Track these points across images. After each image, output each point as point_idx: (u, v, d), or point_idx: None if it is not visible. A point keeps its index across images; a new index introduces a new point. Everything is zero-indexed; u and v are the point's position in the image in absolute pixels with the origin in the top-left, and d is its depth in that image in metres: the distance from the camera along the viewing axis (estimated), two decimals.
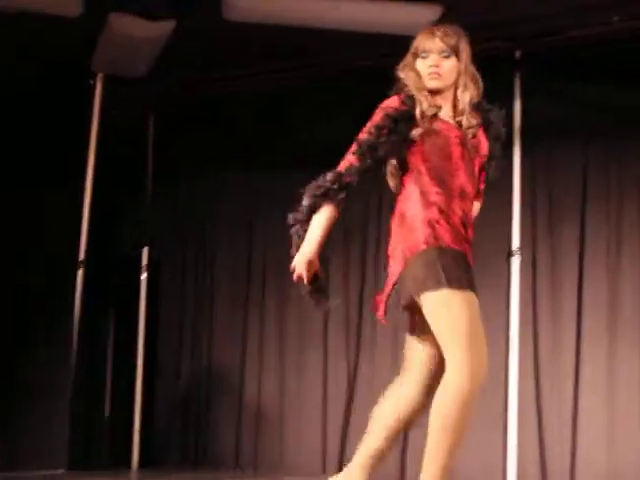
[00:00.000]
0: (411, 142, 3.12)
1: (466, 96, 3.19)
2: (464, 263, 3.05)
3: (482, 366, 2.96)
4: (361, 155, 3.08)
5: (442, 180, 3.12)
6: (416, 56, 3.21)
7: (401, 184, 3.19)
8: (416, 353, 3.15)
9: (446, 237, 3.05)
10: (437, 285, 2.98)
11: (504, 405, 5.34)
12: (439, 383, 3.00)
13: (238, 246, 6.35)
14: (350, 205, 3.10)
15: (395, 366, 5.78)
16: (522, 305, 5.41)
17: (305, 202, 3.10)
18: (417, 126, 3.12)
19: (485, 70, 5.41)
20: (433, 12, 4.77)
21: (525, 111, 5.45)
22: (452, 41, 3.19)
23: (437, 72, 3.17)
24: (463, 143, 3.16)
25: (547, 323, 5.49)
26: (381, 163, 3.15)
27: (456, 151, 3.14)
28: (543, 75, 5.43)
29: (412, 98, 3.15)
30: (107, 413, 6.28)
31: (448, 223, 3.07)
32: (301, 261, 3.07)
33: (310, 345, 6.13)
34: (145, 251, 6.16)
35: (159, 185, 6.23)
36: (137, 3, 4.95)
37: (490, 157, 3.26)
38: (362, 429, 5.69)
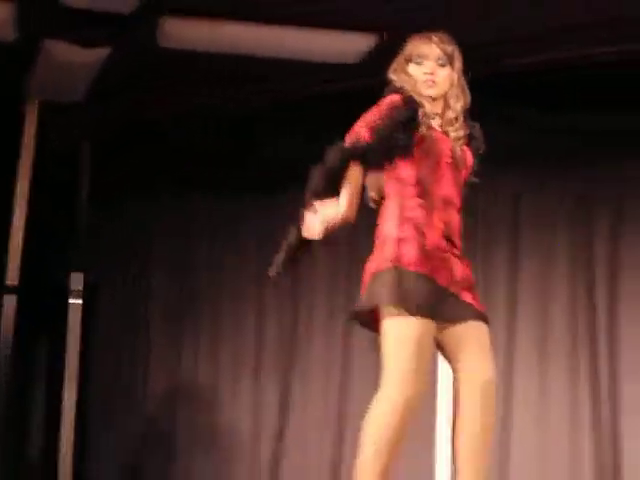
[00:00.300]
0: (413, 145, 3.04)
1: (458, 106, 3.13)
2: (426, 287, 2.98)
3: (417, 392, 2.95)
4: (376, 137, 2.94)
5: (426, 190, 3.05)
6: (409, 61, 3.12)
7: (384, 194, 3.11)
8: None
9: (413, 258, 2.98)
10: (394, 307, 2.95)
11: (432, 425, 5.39)
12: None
13: (175, 272, 6.32)
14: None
15: (329, 392, 5.86)
16: None
17: (322, 168, 2.93)
18: (418, 130, 3.04)
19: None
20: (369, 40, 4.83)
21: None
22: (449, 49, 3.12)
23: (433, 80, 3.10)
24: (453, 154, 3.10)
25: None
26: (392, 156, 3.03)
27: (446, 161, 3.09)
28: (490, 101, 5.51)
29: (413, 100, 3.05)
30: (36, 452, 6.13)
31: (422, 241, 3.01)
32: (319, 223, 2.88)
33: (243, 374, 6.12)
34: (79, 277, 6.09)
35: (97, 209, 6.19)
36: (71, 30, 4.92)
37: (473, 172, 3.23)
38: (294, 460, 5.72)
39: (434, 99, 3.12)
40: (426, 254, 3.00)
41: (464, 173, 3.16)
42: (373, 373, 5.31)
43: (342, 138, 2.96)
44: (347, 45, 4.88)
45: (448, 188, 3.09)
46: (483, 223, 5.67)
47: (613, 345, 5.35)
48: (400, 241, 3.00)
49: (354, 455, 3.00)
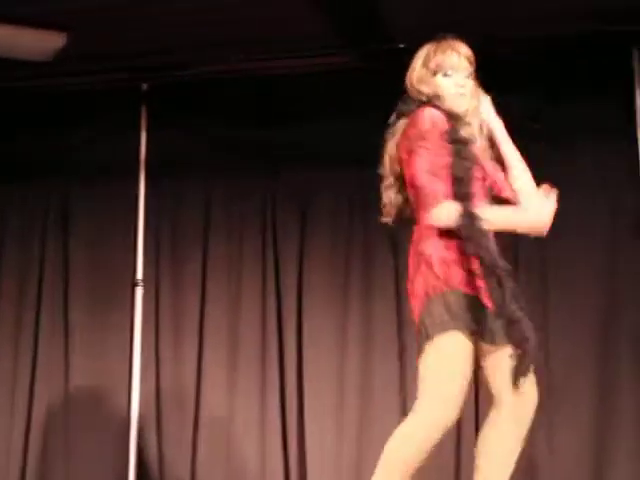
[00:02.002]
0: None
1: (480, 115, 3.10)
2: (474, 308, 2.95)
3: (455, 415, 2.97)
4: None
5: None
6: (435, 72, 3.05)
7: (416, 214, 3.06)
8: None
9: (459, 279, 2.96)
10: (441, 330, 2.93)
11: (127, 425, 5.38)
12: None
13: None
14: None
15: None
16: (145, 333, 5.48)
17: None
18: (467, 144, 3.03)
19: (112, 101, 5.52)
20: (58, 39, 4.72)
21: (151, 143, 5.53)
22: (472, 60, 3.08)
23: (464, 93, 3.05)
24: (481, 165, 3.08)
25: (169, 353, 5.57)
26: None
27: (478, 175, 3.06)
28: (169, 108, 5.55)
29: (451, 115, 3.00)
30: None
31: (466, 262, 2.96)
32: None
33: None
34: None
35: None
36: None
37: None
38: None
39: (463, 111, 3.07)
40: (470, 275, 2.96)
41: (487, 183, 3.13)
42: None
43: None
44: (37, 43, 4.74)
45: (481, 201, 3.05)
46: (172, 232, 5.66)
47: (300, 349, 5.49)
48: (447, 262, 2.96)
49: None
